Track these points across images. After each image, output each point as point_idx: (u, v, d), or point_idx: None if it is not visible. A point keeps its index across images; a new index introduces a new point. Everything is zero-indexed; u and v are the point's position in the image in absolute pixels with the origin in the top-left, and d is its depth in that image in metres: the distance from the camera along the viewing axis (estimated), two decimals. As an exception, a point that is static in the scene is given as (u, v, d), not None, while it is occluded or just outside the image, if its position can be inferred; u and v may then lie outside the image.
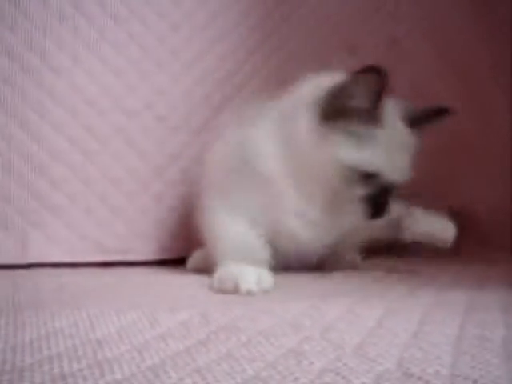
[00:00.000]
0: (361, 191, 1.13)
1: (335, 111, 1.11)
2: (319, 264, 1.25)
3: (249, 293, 1.01)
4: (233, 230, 1.16)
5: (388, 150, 1.12)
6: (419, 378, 0.57)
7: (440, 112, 1.21)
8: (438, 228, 1.25)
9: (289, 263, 1.20)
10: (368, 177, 1.12)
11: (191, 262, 1.38)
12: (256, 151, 1.16)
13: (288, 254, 1.19)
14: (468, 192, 1.67)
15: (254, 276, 1.04)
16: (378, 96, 1.10)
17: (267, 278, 1.07)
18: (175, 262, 1.49)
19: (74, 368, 0.60)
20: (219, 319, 0.80)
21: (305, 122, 1.14)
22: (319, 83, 1.18)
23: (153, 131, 1.52)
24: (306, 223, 1.16)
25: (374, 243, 1.33)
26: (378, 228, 1.26)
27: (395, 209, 1.20)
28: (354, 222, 1.19)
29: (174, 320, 0.79)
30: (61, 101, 1.46)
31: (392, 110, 1.16)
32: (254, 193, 1.15)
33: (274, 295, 1.02)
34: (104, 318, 0.79)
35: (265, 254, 1.15)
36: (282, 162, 1.14)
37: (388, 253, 1.40)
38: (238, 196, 1.17)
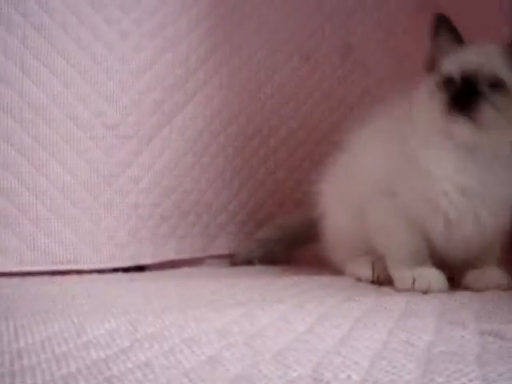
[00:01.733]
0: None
1: None
2: (457, 273, 1.24)
3: (439, 291, 1.12)
4: (404, 234, 1.21)
5: None
6: (328, 383, 0.57)
7: None
8: None
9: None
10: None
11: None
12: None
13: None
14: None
15: (439, 277, 1.16)
16: None
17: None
18: (126, 270, 1.48)
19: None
20: (147, 327, 0.79)
21: None
22: None
23: (102, 140, 1.51)
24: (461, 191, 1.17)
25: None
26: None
27: None
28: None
29: (101, 328, 0.78)
30: (9, 110, 1.44)
31: None
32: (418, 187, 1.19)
33: (212, 301, 1.02)
34: (30, 327, 0.79)
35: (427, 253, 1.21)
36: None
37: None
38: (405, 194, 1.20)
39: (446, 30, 1.21)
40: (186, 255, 1.59)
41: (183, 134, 1.59)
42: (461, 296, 1.08)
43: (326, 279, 1.28)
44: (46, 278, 1.40)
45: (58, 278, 1.40)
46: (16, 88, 1.46)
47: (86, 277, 1.41)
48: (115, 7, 1.55)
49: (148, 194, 1.54)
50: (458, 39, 1.20)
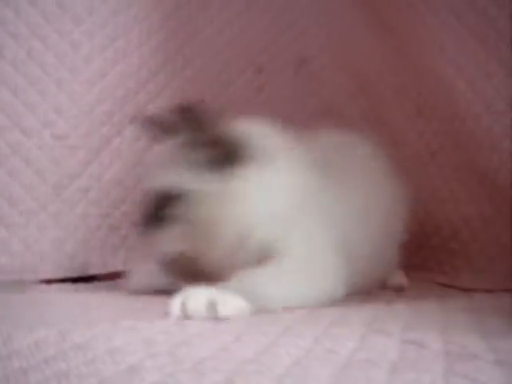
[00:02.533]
0: None
1: None
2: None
3: None
4: None
5: None
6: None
7: None
8: None
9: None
10: None
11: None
12: None
13: None
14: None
15: None
16: None
17: None
18: (74, 281, 1.48)
19: None
20: (76, 337, 0.80)
21: None
22: None
23: (50, 150, 1.51)
24: None
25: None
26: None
27: None
28: None
29: (29, 338, 0.79)
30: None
31: None
32: None
33: (146, 312, 1.03)
34: None
35: None
36: None
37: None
38: None
39: None
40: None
41: (133, 145, 1.59)
42: (394, 306, 1.10)
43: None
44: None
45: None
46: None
47: (31, 287, 1.40)
48: (67, 19, 1.56)
49: (97, 205, 1.55)
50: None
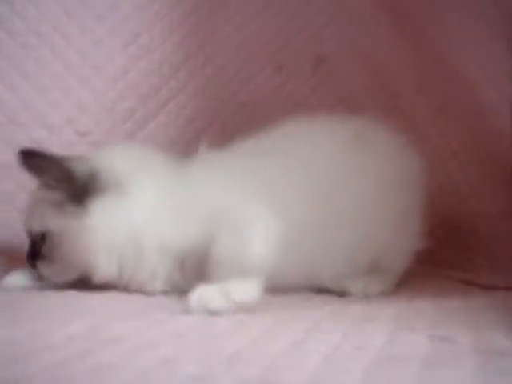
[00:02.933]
0: None
1: None
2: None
3: None
4: None
5: None
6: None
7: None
8: None
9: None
10: None
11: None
12: None
13: None
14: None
15: None
16: None
17: None
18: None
19: None
20: (108, 331, 0.81)
21: None
22: None
23: (74, 146, 1.53)
24: None
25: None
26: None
27: None
28: None
29: (61, 332, 0.80)
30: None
31: None
32: None
33: (170, 308, 1.04)
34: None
35: None
36: None
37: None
38: None
39: None
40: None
41: (155, 141, 1.61)
42: (418, 304, 1.11)
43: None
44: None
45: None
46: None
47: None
48: (90, 16, 1.57)
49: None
50: None
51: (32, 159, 1.16)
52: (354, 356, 0.72)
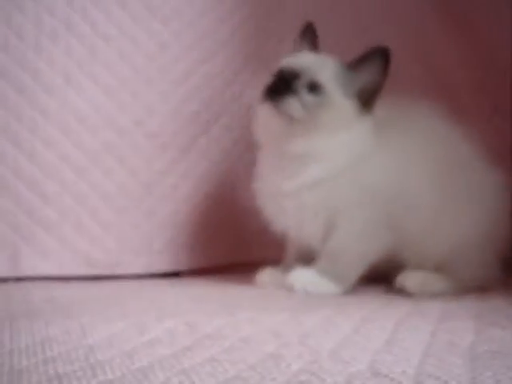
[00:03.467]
0: None
1: None
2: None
3: None
4: None
5: None
6: (386, 376, 0.62)
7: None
8: None
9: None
10: None
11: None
12: None
13: None
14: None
15: None
16: None
17: None
18: (164, 275, 1.53)
19: (67, 369, 0.64)
20: (204, 328, 0.84)
21: None
22: None
23: (142, 148, 1.56)
24: None
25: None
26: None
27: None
28: None
29: (160, 328, 0.83)
30: (53, 118, 1.50)
31: None
32: None
33: (257, 306, 1.07)
34: (94, 326, 0.84)
35: None
36: None
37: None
38: None
39: (307, 36, 1.36)
40: (221, 262, 1.64)
41: (219, 144, 1.63)
42: (493, 300, 1.12)
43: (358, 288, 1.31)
44: (87, 282, 1.44)
45: (99, 283, 1.44)
46: (60, 97, 1.51)
47: (126, 282, 1.45)
48: (155, 19, 1.60)
49: (186, 202, 1.59)
50: (314, 47, 1.35)
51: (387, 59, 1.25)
52: (450, 351, 0.73)
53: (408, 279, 1.25)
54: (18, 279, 1.43)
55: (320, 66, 1.26)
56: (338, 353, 0.72)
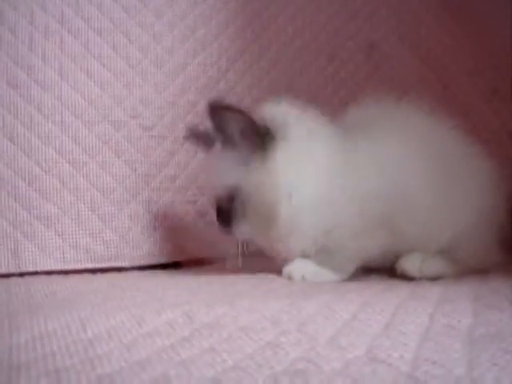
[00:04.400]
0: None
1: None
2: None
3: None
4: None
5: None
6: (383, 362, 0.62)
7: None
8: None
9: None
10: None
11: None
12: None
13: None
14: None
15: None
16: None
17: None
18: (164, 266, 1.53)
19: (67, 363, 0.65)
20: (202, 318, 0.84)
21: None
22: None
23: (139, 141, 1.56)
24: None
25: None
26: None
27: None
28: None
29: (159, 319, 0.83)
30: (49, 114, 1.50)
31: None
32: None
33: (256, 294, 1.07)
34: (94, 319, 0.84)
35: None
36: None
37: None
38: None
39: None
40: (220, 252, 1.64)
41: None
42: (492, 282, 1.12)
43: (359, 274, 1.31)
44: (87, 276, 1.44)
45: (99, 276, 1.45)
46: (55, 92, 1.52)
47: (127, 274, 1.46)
48: (148, 12, 1.60)
49: (184, 192, 1.59)
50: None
51: (221, 110, 1.20)
52: (448, 334, 0.74)
53: (408, 263, 1.25)
54: (19, 274, 1.43)
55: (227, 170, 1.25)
56: (336, 339, 0.72)
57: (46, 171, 1.49)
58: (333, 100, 1.80)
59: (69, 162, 1.51)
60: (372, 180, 1.20)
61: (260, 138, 1.22)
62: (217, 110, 1.19)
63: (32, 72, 1.50)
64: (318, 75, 1.80)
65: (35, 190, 1.48)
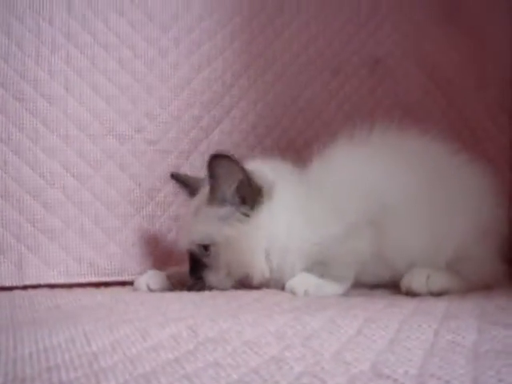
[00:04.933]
0: None
1: None
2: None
3: None
4: None
5: None
6: (388, 377, 0.62)
7: None
8: None
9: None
10: None
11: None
12: None
13: None
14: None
15: None
16: None
17: None
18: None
19: (71, 377, 0.65)
20: (207, 332, 0.84)
21: None
22: None
23: (144, 155, 1.57)
24: None
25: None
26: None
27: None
28: None
29: (164, 333, 0.83)
30: (54, 127, 1.51)
31: None
32: None
33: (259, 309, 1.07)
34: (98, 332, 0.83)
35: None
36: None
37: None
38: None
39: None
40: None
41: (220, 147, 1.63)
42: (496, 299, 1.12)
43: (364, 290, 1.32)
44: (91, 289, 1.44)
45: (103, 289, 1.45)
46: (61, 106, 1.52)
47: (131, 288, 1.45)
48: (154, 26, 1.61)
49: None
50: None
51: (226, 162, 1.24)
52: (453, 351, 0.73)
53: (413, 278, 1.25)
54: (23, 287, 1.43)
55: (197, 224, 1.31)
56: (341, 354, 0.72)
57: (50, 184, 1.50)
58: (337, 114, 1.80)
59: (73, 176, 1.52)
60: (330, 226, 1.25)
61: (252, 196, 1.27)
62: (221, 161, 1.23)
63: (38, 86, 1.51)
64: (322, 90, 1.80)
65: (39, 203, 1.48)
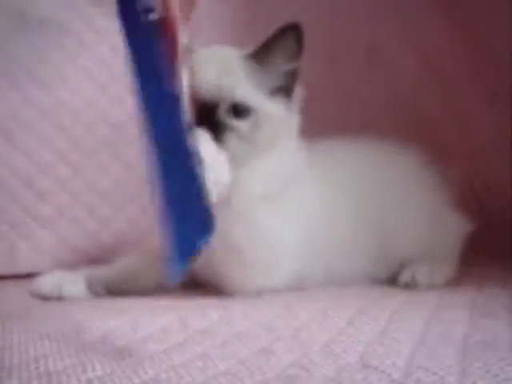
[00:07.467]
0: None
1: None
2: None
3: None
4: None
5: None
6: (376, 369, 0.62)
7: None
8: None
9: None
10: None
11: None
12: None
13: None
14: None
15: None
16: None
17: None
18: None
19: (58, 366, 0.64)
20: (196, 324, 0.84)
21: None
22: None
23: (137, 143, 1.55)
24: None
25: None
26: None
27: None
28: None
29: (154, 325, 0.83)
30: (47, 115, 1.50)
31: None
32: None
33: (251, 300, 1.06)
34: (88, 323, 0.83)
35: None
36: None
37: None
38: None
39: None
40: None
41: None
42: (488, 291, 1.12)
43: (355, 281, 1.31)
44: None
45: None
46: (53, 94, 1.51)
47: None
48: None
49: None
50: None
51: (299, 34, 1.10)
52: (443, 342, 0.73)
53: (418, 273, 1.24)
54: (15, 276, 1.43)
55: (232, 74, 1.09)
56: (330, 346, 0.72)
57: (43, 173, 1.49)
58: (333, 102, 1.79)
59: (66, 164, 1.51)
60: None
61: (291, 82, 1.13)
62: (297, 36, 1.10)
63: (31, 73, 1.50)
64: (319, 78, 1.79)
65: (32, 192, 1.47)
